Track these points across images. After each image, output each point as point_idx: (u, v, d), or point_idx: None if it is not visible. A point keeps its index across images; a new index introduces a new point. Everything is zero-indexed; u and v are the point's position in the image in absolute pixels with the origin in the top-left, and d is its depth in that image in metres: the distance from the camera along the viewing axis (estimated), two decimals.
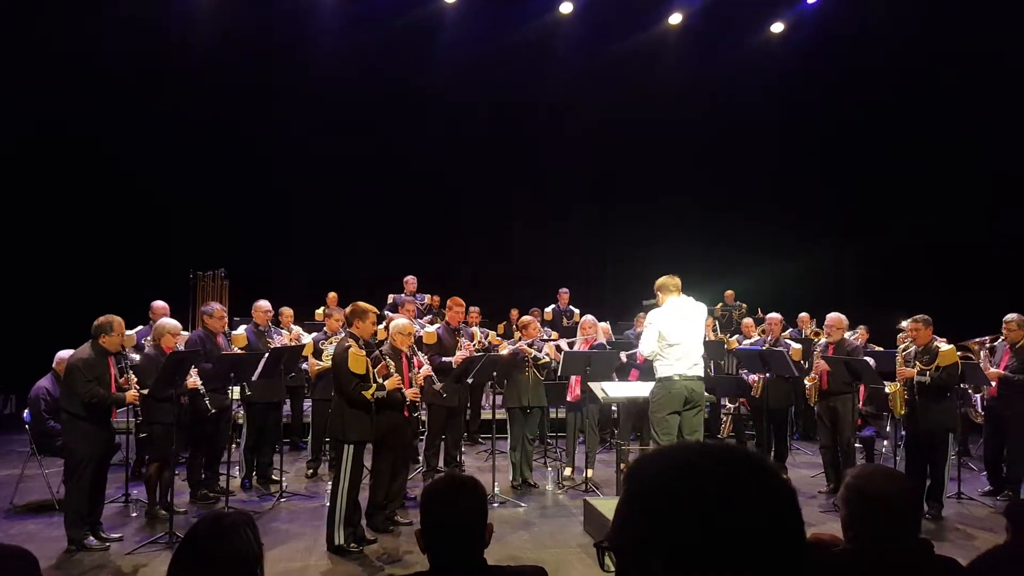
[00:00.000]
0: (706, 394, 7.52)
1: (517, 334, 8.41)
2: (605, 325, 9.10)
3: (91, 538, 5.90)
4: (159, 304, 8.21)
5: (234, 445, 7.95)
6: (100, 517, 6.13)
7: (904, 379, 6.95)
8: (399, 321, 6.80)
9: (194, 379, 6.59)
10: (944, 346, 6.88)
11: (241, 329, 8.06)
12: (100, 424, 6.00)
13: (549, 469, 8.41)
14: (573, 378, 8.16)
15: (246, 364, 6.91)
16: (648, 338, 6.42)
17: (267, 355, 7.04)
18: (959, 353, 8.28)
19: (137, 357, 7.07)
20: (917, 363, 6.90)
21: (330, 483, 7.16)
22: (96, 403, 5.85)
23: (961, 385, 7.66)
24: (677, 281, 6.53)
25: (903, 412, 7.03)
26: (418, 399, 6.53)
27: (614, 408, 9.29)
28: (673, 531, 0.91)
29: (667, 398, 6.28)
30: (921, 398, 6.84)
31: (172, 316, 7.41)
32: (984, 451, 8.05)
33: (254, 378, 6.98)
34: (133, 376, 6.23)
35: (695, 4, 14.34)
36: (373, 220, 13.86)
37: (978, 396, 8.44)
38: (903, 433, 7.18)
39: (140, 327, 8.19)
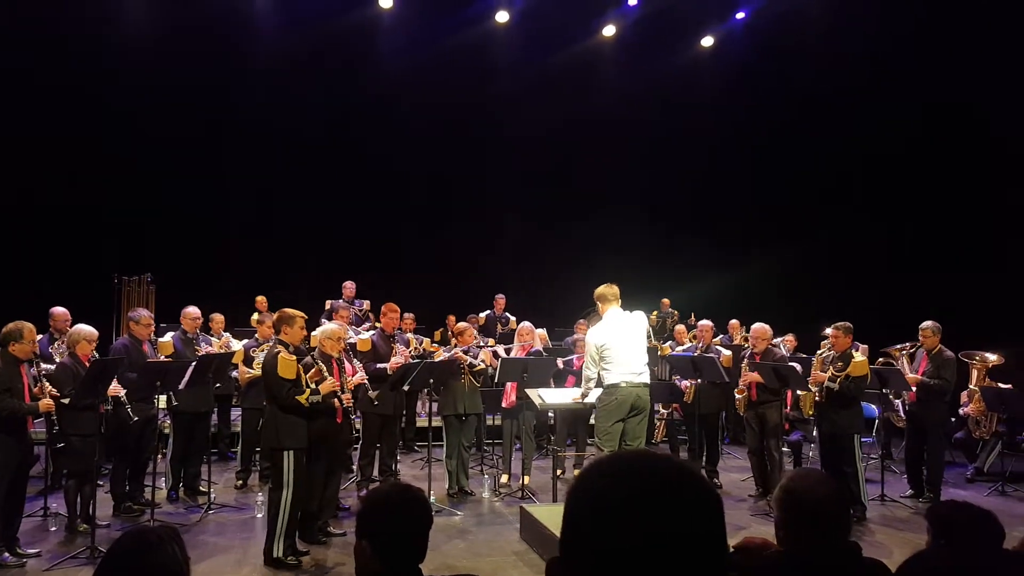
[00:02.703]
0: None
1: (453, 341, 8.38)
2: (542, 332, 9.14)
3: (6, 554, 5.63)
4: (59, 310, 7.85)
5: (160, 455, 7.72)
6: (17, 532, 5.86)
7: (816, 382, 7.23)
8: (328, 326, 6.72)
9: (114, 385, 6.37)
10: (859, 357, 7.13)
11: (168, 336, 7.81)
12: (15, 435, 5.72)
13: (485, 476, 8.38)
14: (508, 384, 8.16)
15: (173, 373, 6.70)
16: (588, 360, 6.53)
17: (194, 363, 6.85)
18: (881, 360, 8.62)
19: (51, 367, 6.78)
20: (831, 368, 7.16)
21: (260, 494, 7.03)
22: (8, 415, 5.59)
23: (884, 391, 7.93)
24: (615, 290, 6.62)
25: (811, 413, 7.48)
26: (351, 403, 6.44)
27: (551, 415, 9.33)
28: (595, 541, 0.97)
29: (614, 405, 6.32)
30: (828, 401, 7.15)
31: (96, 323, 7.11)
32: (905, 454, 8.32)
33: (181, 387, 6.78)
34: (48, 384, 5.97)
35: (628, 17, 14.58)
36: (309, 224, 13.66)
37: (899, 401, 8.74)
38: None
39: (40, 336, 7.68)
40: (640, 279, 13.03)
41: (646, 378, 6.50)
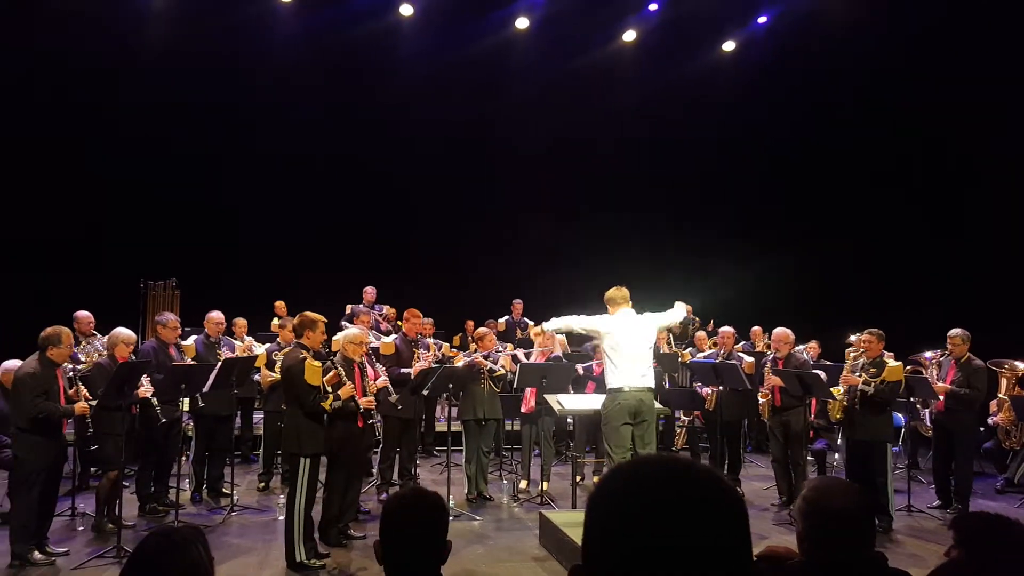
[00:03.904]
0: (661, 406, 7.58)
1: (473, 346, 8.39)
2: (562, 337, 9.11)
3: (36, 553, 5.74)
4: (83, 314, 7.98)
5: (184, 458, 7.80)
6: (48, 531, 5.97)
7: (847, 385, 7.12)
8: (350, 331, 6.74)
9: (145, 387, 6.45)
10: (892, 362, 7.05)
11: (190, 340, 7.92)
12: (51, 436, 5.85)
13: (504, 482, 8.38)
14: (528, 390, 8.16)
15: (197, 375, 6.78)
16: (575, 321, 6.51)
17: (219, 366, 6.92)
18: (909, 367, 8.51)
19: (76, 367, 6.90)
20: (863, 374, 7.07)
21: (282, 496, 7.07)
22: (45, 417, 5.71)
23: (911, 399, 7.82)
24: (625, 293, 6.58)
25: (839, 417, 7.31)
26: (373, 407, 6.45)
27: (570, 420, 9.31)
28: (618, 548, 0.96)
29: (616, 410, 6.29)
30: (861, 407, 7.04)
31: (122, 326, 7.21)
32: (933, 465, 8.17)
33: (205, 390, 6.85)
34: (83, 388, 6.08)
35: (649, 22, 14.56)
36: (328, 230, 13.74)
37: (927, 411, 8.62)
38: None
39: None
40: (660, 284, 12.99)
41: (649, 382, 6.44)
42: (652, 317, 6.66)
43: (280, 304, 11.14)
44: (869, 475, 6.99)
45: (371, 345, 7.54)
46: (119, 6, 12.42)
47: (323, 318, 6.08)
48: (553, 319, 6.70)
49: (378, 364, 7.09)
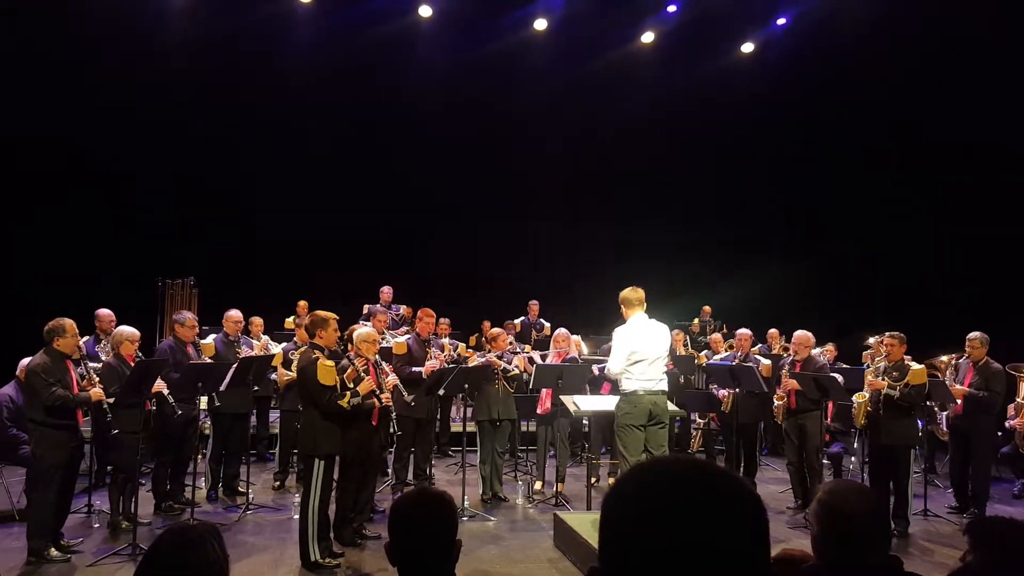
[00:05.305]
0: (677, 408, 7.55)
1: (488, 346, 8.40)
2: (578, 338, 9.11)
3: (53, 550, 5.78)
4: (104, 312, 8.05)
5: (200, 456, 7.85)
6: (63, 527, 6.02)
7: (872, 390, 7.05)
8: (363, 330, 6.74)
9: (158, 382, 6.49)
10: (915, 365, 6.99)
11: (210, 338, 7.97)
12: (69, 431, 5.89)
13: (519, 483, 8.38)
14: (544, 391, 8.15)
15: (215, 374, 6.82)
16: (617, 356, 6.37)
17: (236, 365, 6.96)
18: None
19: (98, 365, 6.95)
20: (886, 378, 7.00)
21: (298, 495, 7.10)
22: (60, 405, 5.74)
23: (927, 403, 7.75)
24: (641, 294, 6.43)
25: (863, 423, 7.21)
26: (391, 403, 6.46)
27: (585, 421, 9.29)
28: (635, 550, 0.95)
29: (633, 413, 6.22)
30: (886, 412, 6.95)
31: (140, 325, 7.28)
32: (950, 469, 8.12)
33: (222, 388, 6.89)
34: (96, 377, 6.12)
35: (668, 23, 14.51)
36: (346, 230, 13.79)
37: (944, 414, 8.54)
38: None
39: (87, 337, 7.70)
40: (676, 286, 12.96)
41: (664, 385, 6.39)
42: (666, 330, 6.59)
43: (303, 304, 11.19)
44: (892, 479, 6.95)
45: (383, 345, 7.55)
46: (139, 4, 12.52)
47: (334, 316, 6.08)
48: (614, 367, 6.41)
49: (384, 364, 7.09)
